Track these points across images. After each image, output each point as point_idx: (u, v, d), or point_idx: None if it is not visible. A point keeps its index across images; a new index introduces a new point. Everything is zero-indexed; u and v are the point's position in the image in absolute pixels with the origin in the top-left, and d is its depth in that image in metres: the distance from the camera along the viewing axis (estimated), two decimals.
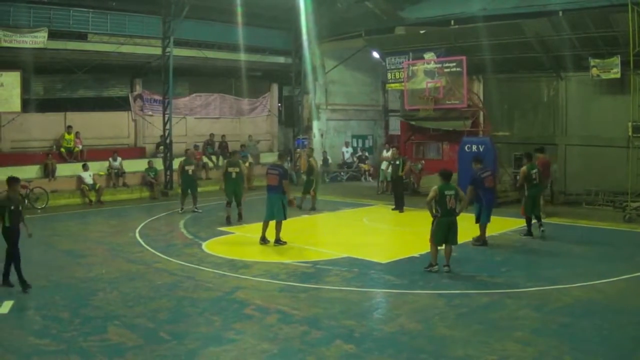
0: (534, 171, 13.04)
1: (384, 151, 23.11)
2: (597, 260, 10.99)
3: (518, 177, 13.72)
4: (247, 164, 20.86)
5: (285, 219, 12.29)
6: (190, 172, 16.89)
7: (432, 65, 19.49)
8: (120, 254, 11.78)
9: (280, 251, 11.88)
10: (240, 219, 15.01)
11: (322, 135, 25.68)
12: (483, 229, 12.10)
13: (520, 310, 8.09)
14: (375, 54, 23.72)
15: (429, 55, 20.04)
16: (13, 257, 8.97)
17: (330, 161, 25.25)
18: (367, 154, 26.61)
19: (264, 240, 12.35)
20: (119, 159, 20.55)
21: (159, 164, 20.93)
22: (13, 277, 9.06)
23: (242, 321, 7.70)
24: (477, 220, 12.10)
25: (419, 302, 8.55)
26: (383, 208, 17.70)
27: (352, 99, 26.72)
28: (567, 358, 6.41)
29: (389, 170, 18.42)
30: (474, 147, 17.05)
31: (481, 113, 19.48)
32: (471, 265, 10.66)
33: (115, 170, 20.33)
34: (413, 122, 20.79)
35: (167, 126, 20.58)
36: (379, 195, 20.54)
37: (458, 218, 10.11)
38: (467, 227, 11.35)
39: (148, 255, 11.64)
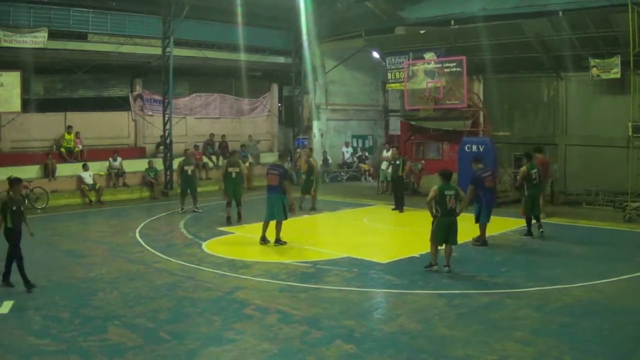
0: (534, 171, 13.04)
1: (384, 151, 23.12)
2: (597, 260, 10.99)
3: (518, 177, 13.72)
4: (247, 164, 20.89)
5: (285, 219, 12.29)
6: (189, 172, 16.89)
7: (432, 65, 19.49)
8: (120, 254, 11.78)
9: (281, 251, 11.88)
10: (239, 219, 15.00)
11: (322, 135, 25.68)
12: (483, 229, 12.10)
13: (520, 310, 8.09)
14: (375, 54, 23.72)
15: (429, 55, 20.05)
16: (15, 257, 8.96)
17: (330, 161, 25.26)
18: (367, 154, 26.61)
19: (264, 240, 12.35)
20: (119, 159, 20.56)
21: (159, 164, 20.94)
22: (13, 277, 9.07)
23: (242, 321, 7.70)
24: (477, 220, 12.10)
25: (419, 302, 8.55)
26: (383, 208, 17.70)
27: (352, 99, 26.72)
28: (567, 358, 6.41)
29: (389, 170, 18.42)
30: (474, 147, 17.05)
31: (481, 113, 19.48)
32: (471, 265, 10.66)
33: (116, 170, 20.34)
34: (413, 122, 20.80)
35: (167, 126, 20.59)
36: (379, 195, 20.54)
37: (458, 218, 10.10)
38: (467, 227, 11.35)
39: (148, 255, 11.64)
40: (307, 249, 12.13)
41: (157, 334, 7.24)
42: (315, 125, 25.44)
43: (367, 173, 25.75)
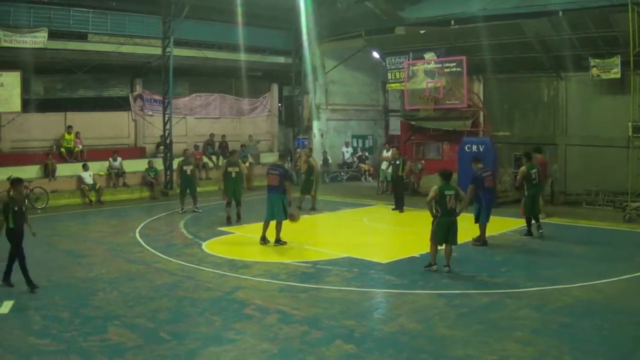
0: (534, 171, 13.04)
1: (384, 151, 23.12)
2: (597, 260, 10.99)
3: (517, 177, 13.71)
4: (247, 164, 20.90)
5: (286, 219, 12.29)
6: (188, 172, 16.88)
7: (432, 65, 19.49)
8: (120, 254, 11.78)
9: (281, 251, 11.88)
10: (239, 220, 14.98)
11: (322, 135, 25.68)
12: (483, 229, 12.10)
13: (520, 310, 8.09)
14: (376, 54, 23.73)
15: (429, 55, 20.05)
16: (17, 258, 8.94)
17: (330, 161, 25.27)
18: (367, 154, 26.61)
19: (264, 240, 12.35)
20: (119, 159, 20.56)
21: (159, 164, 20.94)
22: (14, 277, 9.06)
23: (242, 321, 7.70)
24: (477, 220, 12.10)
25: (419, 302, 8.55)
26: (383, 208, 17.70)
27: (352, 99, 26.73)
28: (567, 358, 6.41)
29: (389, 170, 18.42)
30: (474, 147, 17.05)
31: (481, 113, 19.49)
32: (471, 265, 10.66)
33: (116, 170, 20.34)
34: (413, 122, 20.80)
35: (167, 126, 20.60)
36: (379, 195, 20.54)
37: (458, 218, 10.11)
38: (467, 227, 11.35)
39: (148, 255, 11.64)
40: (307, 249, 12.13)
41: (157, 334, 7.24)
42: (315, 125, 25.45)
43: (367, 173, 25.75)
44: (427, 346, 6.82)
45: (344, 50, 24.52)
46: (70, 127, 20.32)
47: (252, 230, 13.49)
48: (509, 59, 18.98)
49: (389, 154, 20.47)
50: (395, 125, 25.74)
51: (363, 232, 14.61)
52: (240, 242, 13.05)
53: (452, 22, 19.56)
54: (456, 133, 19.12)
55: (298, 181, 20.56)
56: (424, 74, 19.57)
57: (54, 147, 20.33)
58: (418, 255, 11.09)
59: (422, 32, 20.86)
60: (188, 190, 16.85)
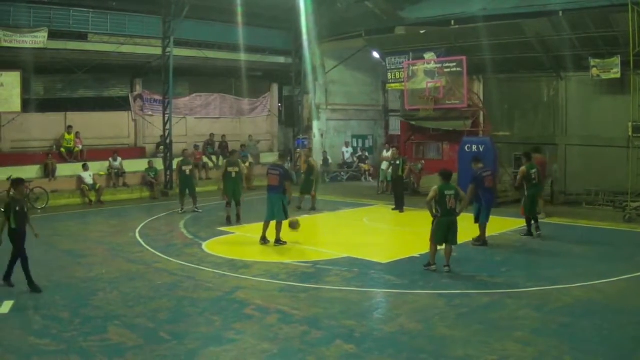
0: (534, 171, 13.03)
1: (384, 151, 23.12)
2: (597, 260, 10.99)
3: (517, 177, 13.71)
4: (247, 164, 20.89)
5: (286, 219, 12.30)
6: (187, 172, 16.87)
7: (432, 65, 19.50)
8: (120, 254, 11.78)
9: (281, 251, 11.88)
10: (238, 220, 14.95)
11: (322, 135, 25.68)
12: (483, 228, 12.10)
13: (520, 310, 8.09)
14: (376, 54, 23.72)
15: (429, 55, 20.05)
16: (20, 259, 8.92)
17: (330, 161, 25.26)
18: (367, 154, 26.61)
19: (264, 240, 12.35)
20: (119, 159, 20.56)
21: (159, 164, 20.94)
22: (15, 277, 9.07)
23: (242, 321, 7.70)
24: (477, 220, 12.10)
25: (419, 302, 8.55)
26: (383, 208, 17.70)
27: (352, 99, 26.72)
28: (567, 358, 6.41)
29: (389, 170, 18.42)
30: (474, 147, 17.05)
31: (481, 113, 19.48)
32: (471, 265, 10.66)
33: (116, 170, 20.34)
34: (413, 122, 20.80)
35: (167, 126, 20.60)
36: (379, 195, 20.54)
37: (458, 218, 10.11)
38: (467, 227, 11.35)
39: (148, 255, 11.64)
40: (307, 249, 12.13)
41: (157, 334, 7.24)
42: (315, 125, 25.44)
43: (367, 173, 25.75)
44: (427, 346, 6.82)
45: (344, 50, 24.52)
46: (70, 127, 20.32)
47: (252, 230, 13.49)
48: (509, 59, 18.98)
49: (389, 154, 20.47)
50: (395, 125, 25.74)
51: (363, 232, 14.61)
52: (240, 242, 13.05)
53: (452, 22, 19.56)
54: (456, 133, 19.12)
55: (298, 181, 20.57)
56: (424, 74, 19.57)
57: (54, 147, 20.33)
58: (418, 256, 11.09)
59: (422, 32, 20.86)
60: (187, 191, 16.86)
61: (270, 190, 12.34)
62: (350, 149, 26.16)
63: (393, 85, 22.00)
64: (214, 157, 23.49)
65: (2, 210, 8.94)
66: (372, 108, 27.71)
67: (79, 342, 6.94)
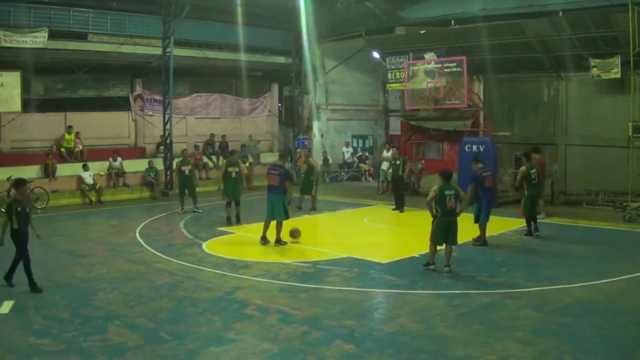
0: (533, 171, 13.04)
1: (384, 151, 23.11)
2: (597, 260, 11.00)
3: (517, 177, 13.71)
4: (247, 164, 20.89)
5: (286, 219, 12.31)
6: (186, 172, 16.87)
7: (432, 65, 19.50)
8: (120, 254, 11.79)
9: (281, 251, 11.89)
10: (238, 220, 14.93)
11: (322, 135, 25.68)
12: (483, 228, 12.10)
13: (520, 310, 8.09)
14: (376, 54, 23.72)
15: (429, 55, 20.05)
16: (22, 259, 8.91)
17: (330, 161, 25.27)
18: (367, 154, 26.61)
19: (264, 240, 12.36)
20: (119, 159, 20.56)
21: (159, 164, 20.94)
22: (15, 278, 9.07)
23: (243, 321, 7.71)
24: (476, 220, 12.10)
25: (419, 302, 8.55)
26: (383, 208, 17.71)
27: (352, 99, 26.73)
28: (567, 358, 6.42)
29: (390, 170, 18.42)
30: (475, 147, 17.04)
31: (481, 113, 19.49)
32: (471, 265, 10.66)
33: (116, 170, 20.34)
34: (413, 122, 20.80)
35: (168, 126, 20.60)
36: (379, 195, 20.54)
37: (458, 218, 10.11)
38: (467, 227, 11.36)
39: (148, 255, 11.64)
40: (308, 249, 12.13)
41: (157, 334, 7.25)
42: (316, 125, 25.45)
43: (367, 173, 25.75)
44: (428, 346, 6.82)
45: (344, 50, 24.52)
46: (70, 127, 20.32)
47: (252, 230, 13.49)
48: (509, 59, 18.98)
49: (389, 154, 20.46)
50: (396, 125, 25.74)
51: (363, 232, 14.62)
52: (240, 242, 13.05)
53: (453, 22, 19.56)
54: (456, 133, 19.12)
55: (298, 181, 20.58)
56: (424, 74, 19.58)
57: (54, 147, 20.32)
58: (418, 256, 11.09)
59: (422, 32, 20.86)
60: (186, 191, 16.85)
61: (270, 190, 12.34)
62: (350, 149, 26.16)
63: (393, 85, 22.01)
64: (214, 157, 23.48)
65: (4, 210, 8.92)
66: (372, 108, 27.72)
67: (79, 342, 6.94)
